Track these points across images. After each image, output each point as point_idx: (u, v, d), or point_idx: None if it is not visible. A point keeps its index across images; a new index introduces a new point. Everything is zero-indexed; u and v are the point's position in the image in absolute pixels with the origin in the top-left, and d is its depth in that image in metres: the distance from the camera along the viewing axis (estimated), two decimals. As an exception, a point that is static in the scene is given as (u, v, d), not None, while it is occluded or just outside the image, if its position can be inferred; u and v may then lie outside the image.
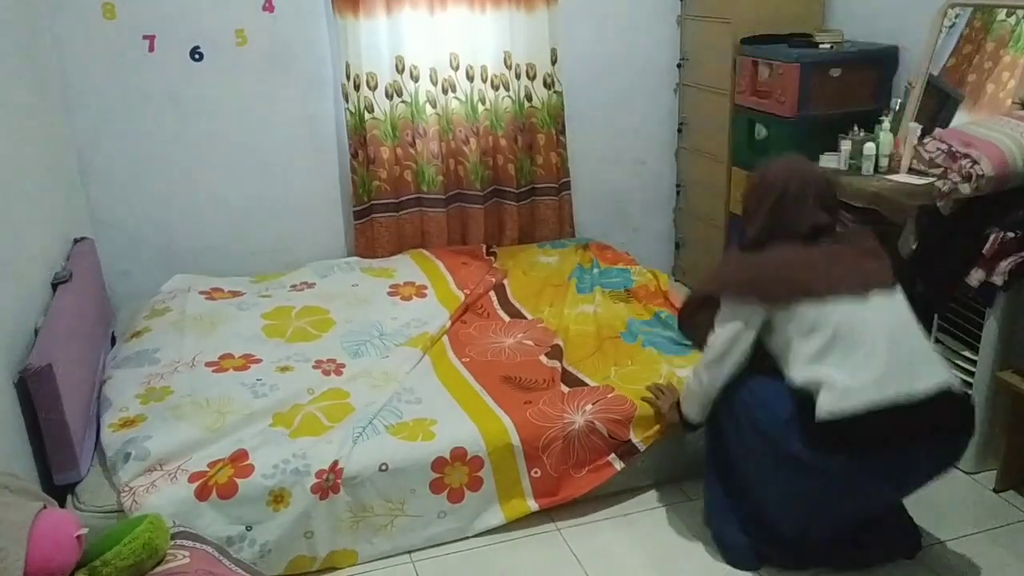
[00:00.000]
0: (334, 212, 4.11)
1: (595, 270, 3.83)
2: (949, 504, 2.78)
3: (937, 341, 2.97)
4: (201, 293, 3.48)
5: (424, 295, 3.55)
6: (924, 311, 3.04)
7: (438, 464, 2.58)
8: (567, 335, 3.24)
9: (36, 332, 2.52)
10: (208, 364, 2.93)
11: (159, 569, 1.50)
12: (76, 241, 3.30)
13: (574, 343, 3.19)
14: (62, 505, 2.29)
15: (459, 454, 2.60)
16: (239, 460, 2.45)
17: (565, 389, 2.87)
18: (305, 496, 2.44)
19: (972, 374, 2.82)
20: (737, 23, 3.85)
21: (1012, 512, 2.72)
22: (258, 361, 2.99)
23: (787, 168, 2.42)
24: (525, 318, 3.41)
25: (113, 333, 3.38)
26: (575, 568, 2.53)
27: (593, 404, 2.74)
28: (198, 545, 1.64)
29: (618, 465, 2.76)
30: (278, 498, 2.42)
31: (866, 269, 2.32)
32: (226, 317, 3.25)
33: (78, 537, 1.44)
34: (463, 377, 2.94)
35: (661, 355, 3.07)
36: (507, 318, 3.42)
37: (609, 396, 2.78)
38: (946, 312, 2.91)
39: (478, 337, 3.23)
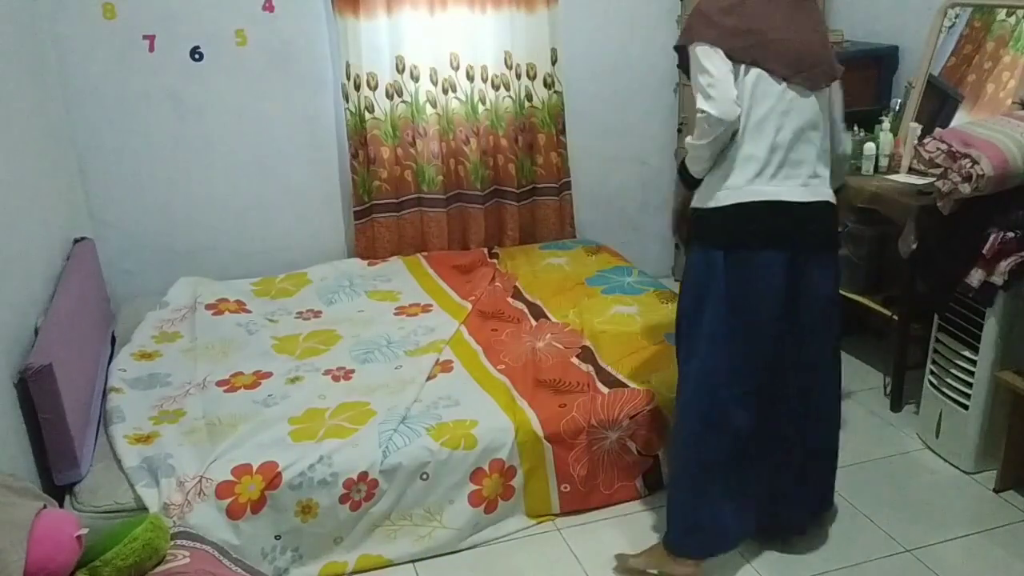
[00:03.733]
0: (334, 212, 4.11)
1: (629, 277, 3.76)
2: (949, 504, 2.79)
3: (937, 340, 2.97)
4: (208, 308, 3.45)
5: (430, 310, 3.53)
6: (924, 311, 3.06)
7: (476, 476, 2.60)
8: (600, 336, 3.20)
9: (36, 332, 2.52)
10: (219, 383, 2.91)
11: (159, 569, 1.50)
12: (76, 241, 3.30)
13: (610, 344, 3.14)
14: (61, 505, 2.29)
15: (496, 465, 2.62)
16: (269, 472, 2.42)
17: (605, 390, 2.84)
18: (334, 507, 2.45)
19: (972, 374, 2.82)
20: (737, 23, 3.83)
21: (1012, 512, 2.72)
22: (268, 375, 2.97)
23: None
24: (549, 319, 3.39)
25: (114, 333, 3.38)
26: (575, 568, 2.53)
27: (631, 419, 2.73)
28: (198, 545, 1.64)
29: (643, 492, 2.81)
30: (306, 509, 2.43)
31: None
32: (238, 345, 3.21)
33: (78, 537, 1.44)
34: (501, 382, 2.92)
35: None
36: (534, 321, 3.39)
37: (648, 408, 2.76)
38: (946, 312, 2.91)
39: (510, 343, 3.19)
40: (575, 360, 3.06)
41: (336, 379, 2.95)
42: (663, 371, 2.92)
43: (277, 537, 2.42)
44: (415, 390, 2.83)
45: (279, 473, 2.42)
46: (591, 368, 3.00)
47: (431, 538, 2.57)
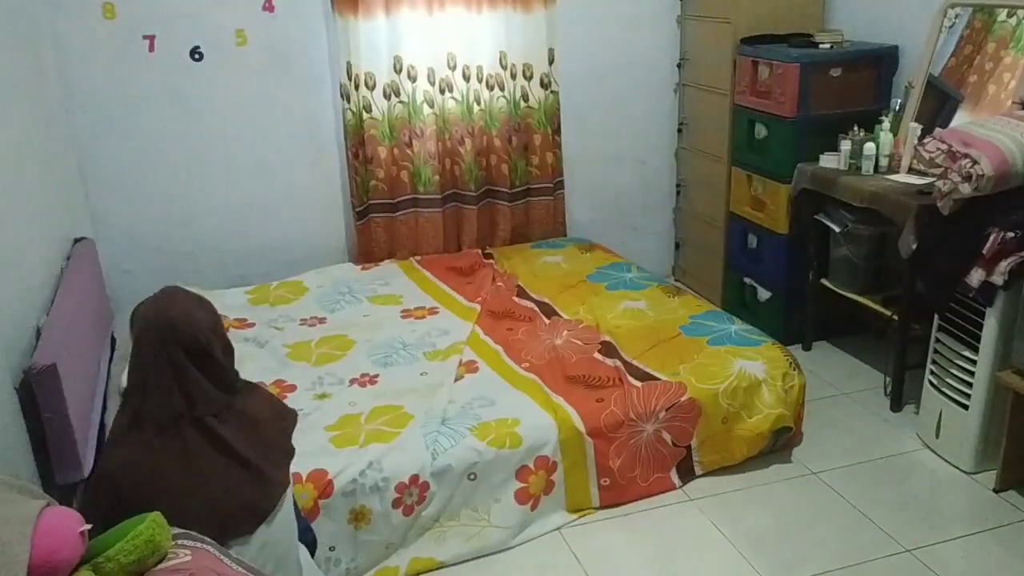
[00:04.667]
0: (334, 212, 4.11)
1: (629, 273, 3.79)
2: (949, 504, 2.79)
3: (937, 340, 2.98)
4: None
5: (436, 312, 3.52)
6: (924, 311, 3.06)
7: (522, 473, 2.61)
8: (617, 331, 3.23)
9: (38, 332, 2.52)
10: None
11: (161, 566, 1.49)
12: (76, 241, 3.30)
13: (629, 338, 3.17)
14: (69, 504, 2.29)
15: (541, 462, 2.64)
16: (319, 479, 2.42)
17: (637, 384, 2.86)
18: (387, 513, 2.44)
19: (972, 374, 2.82)
20: (737, 23, 3.85)
21: (1012, 512, 2.72)
22: (292, 388, 2.94)
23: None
24: (561, 316, 3.41)
25: (113, 334, 3.38)
26: (575, 568, 2.53)
27: (667, 411, 2.77)
28: (199, 545, 1.64)
29: (677, 483, 2.84)
30: (359, 516, 2.43)
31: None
32: (248, 355, 3.17)
33: (81, 533, 1.44)
34: (531, 380, 2.93)
35: (731, 349, 3.04)
36: (546, 319, 3.40)
37: (683, 399, 2.80)
38: (946, 312, 2.91)
39: (529, 341, 3.21)
40: (598, 355, 3.08)
41: (362, 385, 2.95)
42: (689, 362, 2.97)
43: (331, 548, 2.40)
44: (446, 392, 2.84)
45: (330, 480, 2.41)
46: (617, 362, 3.01)
47: (480, 537, 2.57)
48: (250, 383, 1.95)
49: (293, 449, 1.90)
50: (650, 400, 2.78)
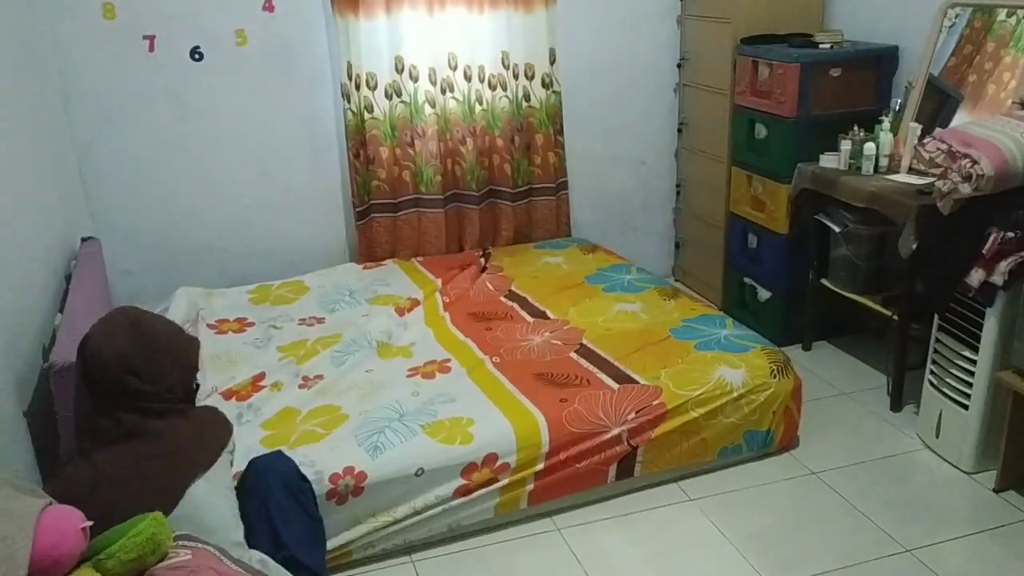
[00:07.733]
0: (334, 212, 4.11)
1: (628, 275, 3.80)
2: (949, 504, 2.79)
3: (937, 340, 2.98)
4: (210, 327, 3.39)
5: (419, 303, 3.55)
6: (924, 311, 3.06)
7: (468, 470, 2.59)
8: (605, 333, 3.24)
9: (53, 331, 2.52)
10: (222, 393, 2.91)
11: (162, 565, 1.51)
12: (83, 240, 3.31)
13: (615, 340, 3.17)
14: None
15: (491, 459, 2.61)
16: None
17: (615, 386, 2.86)
18: (321, 503, 2.43)
19: (972, 374, 2.82)
20: (737, 23, 3.85)
21: (1012, 512, 2.73)
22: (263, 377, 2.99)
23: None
24: (548, 318, 3.41)
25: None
26: (575, 568, 2.53)
27: (636, 413, 2.76)
28: (199, 545, 1.66)
29: (611, 479, 2.79)
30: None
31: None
32: (245, 356, 3.18)
33: (83, 530, 1.46)
34: (495, 376, 2.94)
35: (717, 355, 3.02)
36: (531, 319, 3.41)
37: (654, 403, 2.79)
38: (946, 312, 2.91)
39: (505, 339, 3.22)
40: (573, 355, 3.08)
41: (309, 388, 2.97)
42: (672, 366, 2.96)
43: None
44: (383, 396, 2.85)
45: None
46: (591, 365, 3.01)
47: (407, 528, 2.58)
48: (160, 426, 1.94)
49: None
50: (622, 403, 2.77)
